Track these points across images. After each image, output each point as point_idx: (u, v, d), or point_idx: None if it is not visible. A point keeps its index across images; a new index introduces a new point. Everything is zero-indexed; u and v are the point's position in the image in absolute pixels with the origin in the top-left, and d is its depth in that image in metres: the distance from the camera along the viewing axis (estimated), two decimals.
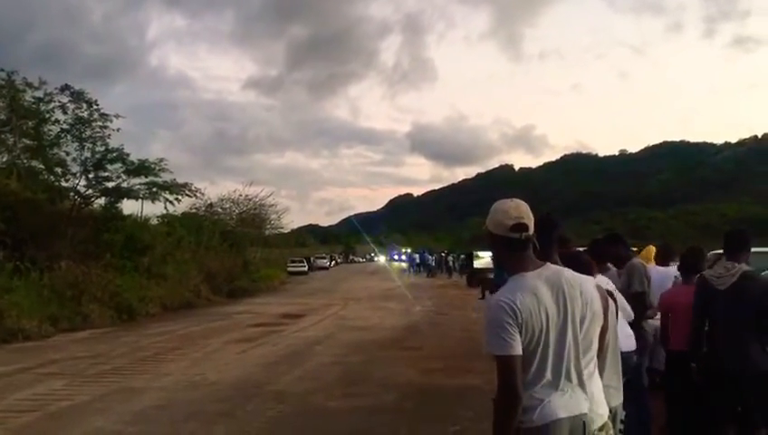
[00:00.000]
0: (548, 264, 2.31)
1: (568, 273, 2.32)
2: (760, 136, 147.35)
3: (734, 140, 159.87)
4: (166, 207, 22.03)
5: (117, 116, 19.78)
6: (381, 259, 71.54)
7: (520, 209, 2.27)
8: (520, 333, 2.12)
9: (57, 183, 19.85)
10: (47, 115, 19.15)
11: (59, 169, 19.73)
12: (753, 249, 4.65)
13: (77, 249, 17.90)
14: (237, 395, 7.69)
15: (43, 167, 19.55)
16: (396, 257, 68.88)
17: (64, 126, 19.31)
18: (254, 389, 8.05)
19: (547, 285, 2.21)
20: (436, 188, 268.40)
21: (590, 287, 2.35)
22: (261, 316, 17.28)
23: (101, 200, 20.79)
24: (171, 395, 7.79)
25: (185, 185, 22.08)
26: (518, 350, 2.11)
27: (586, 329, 2.25)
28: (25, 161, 19.52)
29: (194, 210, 30.82)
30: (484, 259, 24.04)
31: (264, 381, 8.53)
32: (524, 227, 2.23)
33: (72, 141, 19.52)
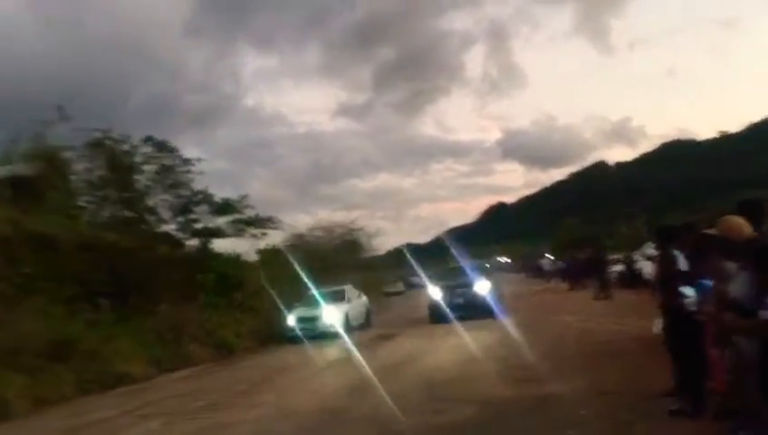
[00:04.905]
0: None
1: None
2: None
3: None
4: (257, 242, 22.61)
5: (199, 160, 20.71)
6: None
7: None
8: None
9: (151, 230, 20.71)
10: (137, 167, 20.12)
11: (152, 217, 20.61)
12: None
13: (174, 292, 18.49)
14: (327, 423, 7.50)
15: (137, 216, 20.45)
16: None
17: (152, 175, 20.20)
18: (344, 415, 7.81)
19: None
20: (530, 193, 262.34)
21: None
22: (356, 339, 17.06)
23: (194, 242, 21.56)
24: (262, 427, 7.69)
25: (269, 219, 22.60)
26: None
27: None
28: (122, 213, 20.52)
29: (288, 242, 31.39)
30: None
31: (351, 407, 8.28)
32: None
33: (161, 189, 20.39)
